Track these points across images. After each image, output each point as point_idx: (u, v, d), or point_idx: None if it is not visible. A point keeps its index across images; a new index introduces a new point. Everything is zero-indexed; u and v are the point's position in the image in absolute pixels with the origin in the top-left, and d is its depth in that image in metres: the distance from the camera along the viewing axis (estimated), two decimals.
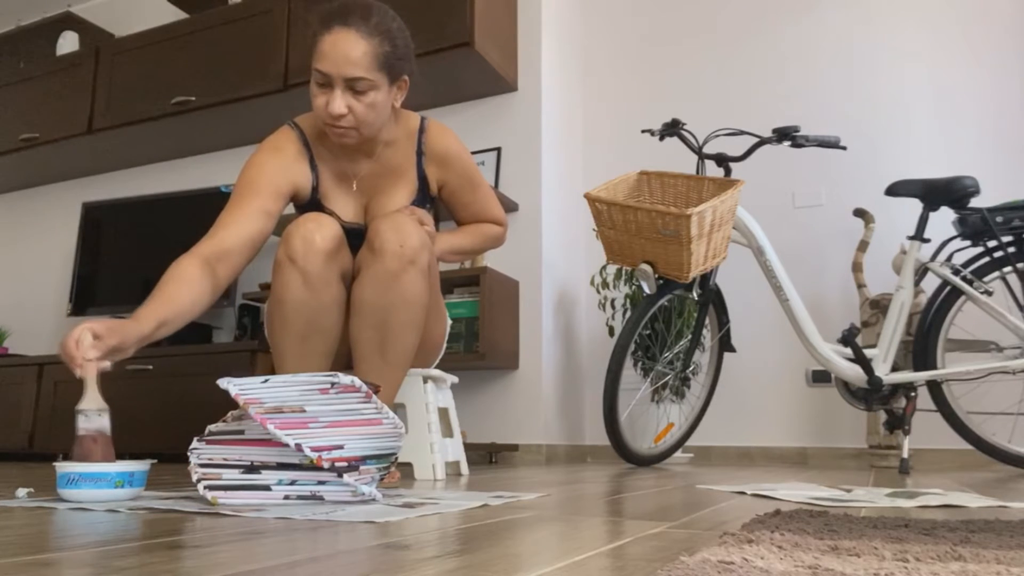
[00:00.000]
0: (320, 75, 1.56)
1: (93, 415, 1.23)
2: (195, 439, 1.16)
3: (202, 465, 1.14)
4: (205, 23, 3.63)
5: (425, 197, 1.80)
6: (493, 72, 3.11)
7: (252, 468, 1.14)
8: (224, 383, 1.14)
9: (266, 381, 1.15)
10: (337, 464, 1.12)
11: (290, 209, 3.23)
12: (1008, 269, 2.35)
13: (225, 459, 1.14)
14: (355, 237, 1.72)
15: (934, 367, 2.38)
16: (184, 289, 1.42)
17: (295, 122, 1.76)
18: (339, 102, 1.56)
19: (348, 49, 1.53)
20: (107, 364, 1.27)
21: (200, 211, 3.59)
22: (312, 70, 1.58)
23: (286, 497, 1.14)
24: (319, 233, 1.59)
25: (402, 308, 1.61)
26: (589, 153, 3.67)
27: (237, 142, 3.85)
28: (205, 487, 1.12)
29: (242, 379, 1.15)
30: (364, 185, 1.76)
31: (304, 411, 1.14)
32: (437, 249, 1.76)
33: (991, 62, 3.06)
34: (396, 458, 1.28)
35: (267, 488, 1.13)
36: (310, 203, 1.75)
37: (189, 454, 1.15)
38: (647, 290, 2.37)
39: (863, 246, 2.90)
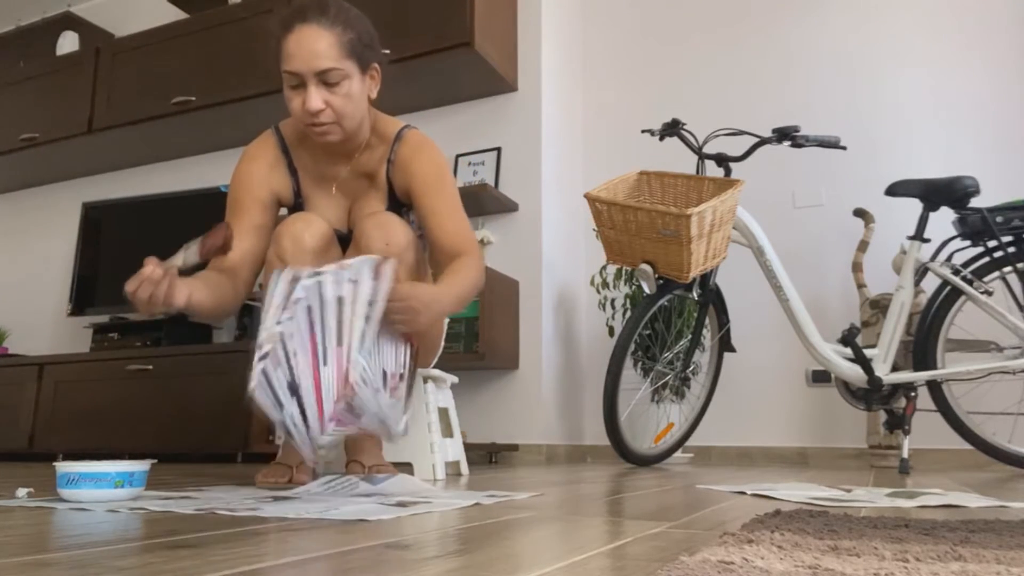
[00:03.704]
0: (291, 76, 1.55)
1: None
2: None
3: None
4: (205, 23, 3.63)
5: (398, 204, 1.76)
6: (493, 72, 3.11)
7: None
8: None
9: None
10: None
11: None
12: (1008, 269, 2.35)
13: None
14: (339, 242, 1.72)
15: (934, 367, 2.38)
16: (203, 282, 1.49)
17: (277, 127, 1.76)
18: (315, 98, 1.54)
19: (313, 43, 1.52)
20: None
21: (200, 211, 3.59)
22: (282, 75, 1.57)
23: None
24: (308, 232, 1.59)
25: None
26: (589, 153, 3.67)
27: (237, 142, 3.85)
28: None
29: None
30: (344, 188, 1.75)
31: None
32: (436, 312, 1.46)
33: (991, 63, 3.06)
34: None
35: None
36: (294, 208, 1.75)
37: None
38: (647, 290, 2.37)
39: (863, 246, 2.90)
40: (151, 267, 1.28)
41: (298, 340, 1.15)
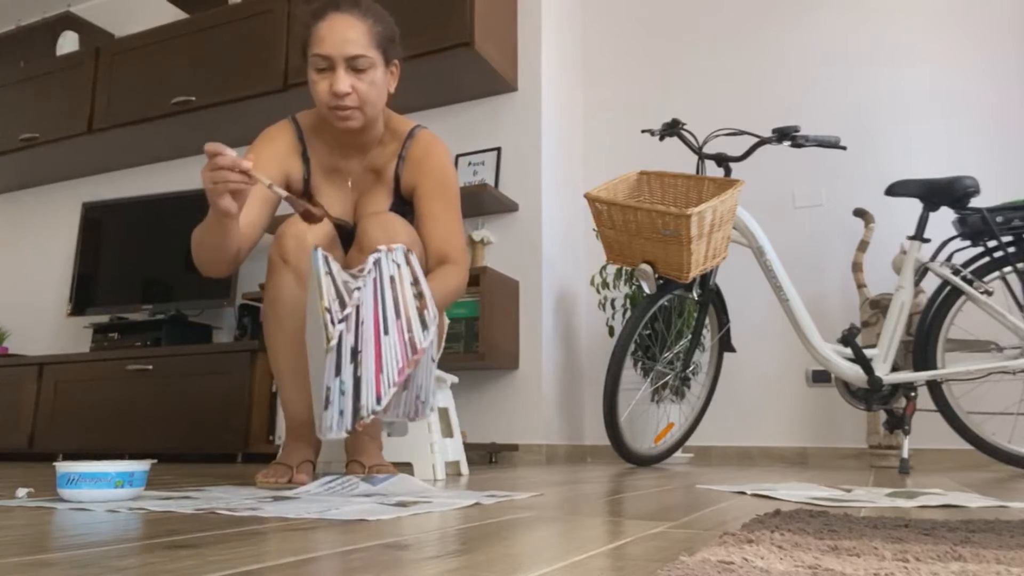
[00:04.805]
0: (320, 60, 1.60)
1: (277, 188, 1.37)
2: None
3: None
4: (205, 23, 3.63)
5: (403, 201, 1.79)
6: (493, 72, 3.11)
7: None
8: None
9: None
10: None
11: (287, 209, 3.23)
12: (1008, 269, 2.35)
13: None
14: (344, 236, 1.74)
15: (934, 367, 2.38)
16: None
17: (294, 117, 1.80)
18: (343, 81, 1.59)
19: (345, 30, 1.59)
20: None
21: (200, 211, 3.58)
22: (310, 58, 1.61)
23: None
24: (311, 232, 1.61)
25: None
26: (589, 153, 3.67)
27: (237, 142, 3.85)
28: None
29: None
30: (356, 183, 1.78)
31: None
32: None
33: (991, 62, 3.06)
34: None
35: None
36: (301, 196, 1.77)
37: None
38: (647, 290, 2.37)
39: (863, 246, 2.90)
40: (249, 163, 1.33)
41: (367, 309, 1.21)
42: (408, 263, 1.28)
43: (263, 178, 1.36)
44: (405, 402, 1.25)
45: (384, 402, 1.18)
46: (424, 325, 1.23)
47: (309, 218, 1.41)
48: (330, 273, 1.23)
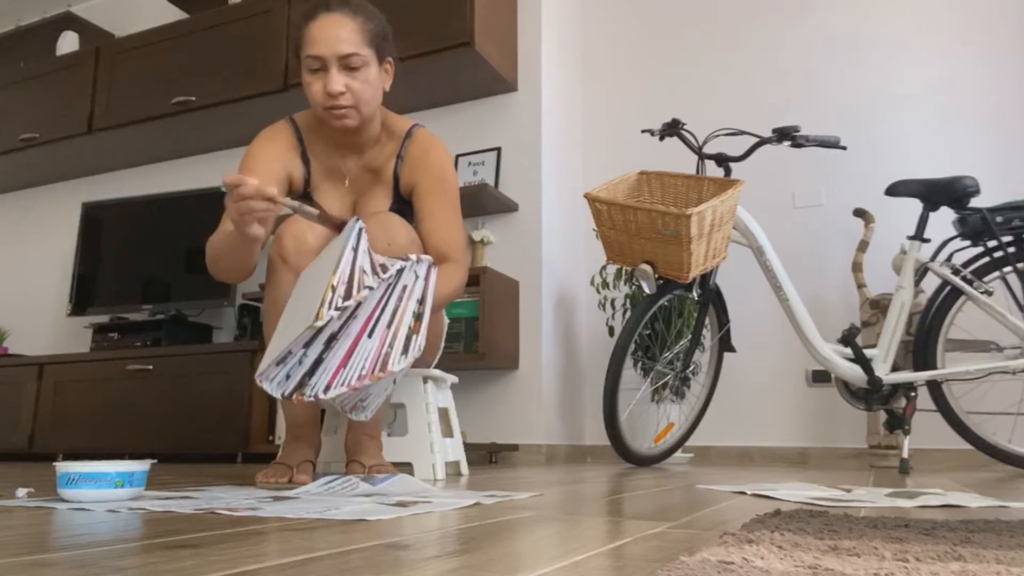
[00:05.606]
0: (313, 60, 1.60)
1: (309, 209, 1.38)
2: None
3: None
4: (205, 23, 3.63)
5: (402, 200, 1.79)
6: (493, 72, 3.11)
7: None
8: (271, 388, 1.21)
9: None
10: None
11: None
12: (1008, 269, 2.35)
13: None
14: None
15: (934, 367, 2.38)
16: None
17: (292, 117, 1.80)
18: (337, 80, 1.59)
19: (338, 29, 1.59)
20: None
21: (200, 211, 3.59)
22: (303, 60, 1.62)
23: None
24: (311, 232, 1.61)
25: None
26: (589, 153, 3.67)
27: (237, 142, 3.85)
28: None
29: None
30: (355, 183, 1.78)
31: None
32: None
33: (991, 62, 3.06)
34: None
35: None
36: (302, 196, 1.78)
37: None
38: (647, 290, 2.37)
39: (863, 246, 2.91)
40: (276, 190, 1.34)
41: (365, 307, 1.22)
42: (427, 278, 1.28)
43: (289, 202, 1.37)
44: (349, 397, 1.25)
45: (331, 394, 1.19)
46: (405, 350, 1.22)
47: (341, 230, 1.43)
48: (356, 249, 1.22)
